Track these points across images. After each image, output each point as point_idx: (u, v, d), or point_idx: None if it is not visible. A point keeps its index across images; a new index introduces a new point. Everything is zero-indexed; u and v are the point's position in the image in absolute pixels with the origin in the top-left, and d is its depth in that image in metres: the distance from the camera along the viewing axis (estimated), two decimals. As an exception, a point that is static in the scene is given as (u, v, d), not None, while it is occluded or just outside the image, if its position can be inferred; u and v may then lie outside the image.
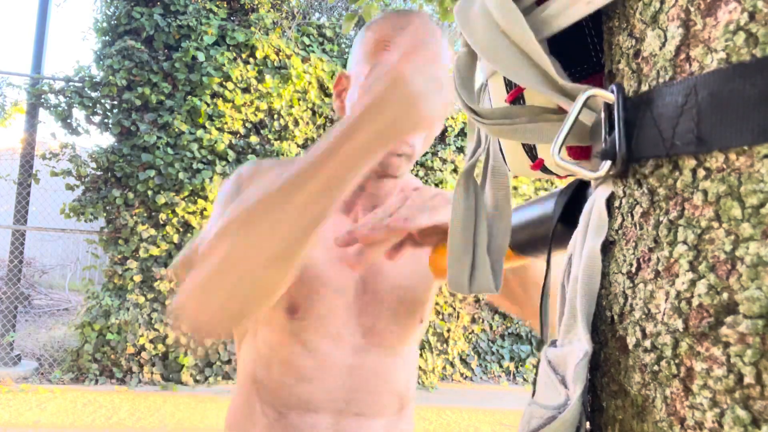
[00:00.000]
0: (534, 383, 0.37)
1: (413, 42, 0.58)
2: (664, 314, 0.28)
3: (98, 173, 5.07)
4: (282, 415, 0.79)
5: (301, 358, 0.80)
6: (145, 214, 5.01)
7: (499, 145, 0.50)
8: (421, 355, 5.64)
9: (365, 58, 0.80)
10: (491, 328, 6.17)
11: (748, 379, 0.24)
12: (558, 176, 0.46)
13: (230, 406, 0.88)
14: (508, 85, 0.43)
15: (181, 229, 5.03)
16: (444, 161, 6.09)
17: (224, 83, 5.20)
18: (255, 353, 0.83)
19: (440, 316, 5.87)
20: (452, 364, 5.91)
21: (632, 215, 0.32)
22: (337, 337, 0.81)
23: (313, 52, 5.77)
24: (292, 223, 0.58)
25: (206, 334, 0.67)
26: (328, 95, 5.68)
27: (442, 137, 6.24)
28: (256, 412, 0.81)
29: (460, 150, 6.16)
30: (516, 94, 0.42)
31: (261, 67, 5.38)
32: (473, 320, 6.13)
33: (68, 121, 5.11)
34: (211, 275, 0.62)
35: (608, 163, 0.32)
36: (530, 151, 0.44)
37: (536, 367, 0.40)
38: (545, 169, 0.46)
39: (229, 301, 0.63)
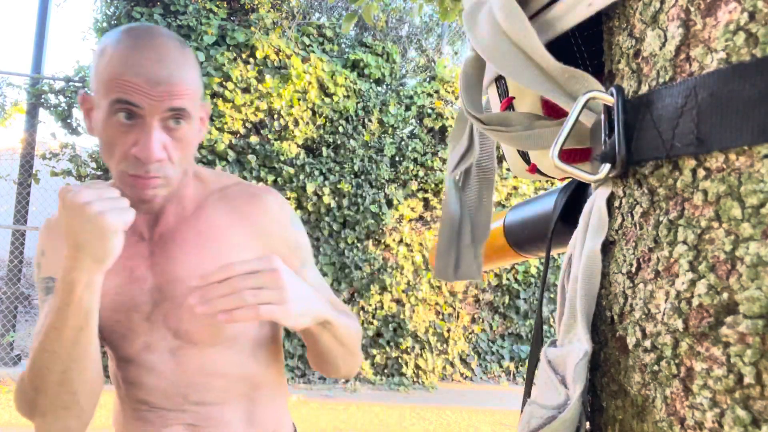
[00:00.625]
0: (527, 383, 0.37)
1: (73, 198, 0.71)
2: (664, 314, 0.28)
3: (98, 173, 5.07)
4: (136, 411, 0.92)
5: (125, 368, 0.91)
6: (145, 214, 5.00)
7: (500, 147, 0.52)
8: (421, 355, 5.63)
9: (101, 88, 0.79)
10: (491, 328, 6.17)
11: (748, 379, 0.24)
12: (555, 178, 0.47)
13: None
14: (501, 95, 0.44)
15: (181, 229, 5.02)
16: (444, 161, 6.09)
17: (224, 83, 5.20)
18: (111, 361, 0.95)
19: (440, 316, 5.87)
20: (452, 364, 5.91)
21: (632, 215, 0.31)
22: (151, 345, 0.88)
23: (313, 52, 5.77)
24: (67, 365, 0.78)
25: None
26: (328, 95, 5.68)
27: (442, 137, 6.24)
28: (118, 412, 0.97)
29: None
30: (507, 104, 0.43)
31: (261, 67, 5.38)
32: (473, 320, 6.12)
33: (68, 121, 5.11)
34: (42, 410, 0.85)
35: (608, 165, 0.32)
36: (524, 155, 0.45)
37: (531, 366, 0.40)
38: (540, 173, 0.46)
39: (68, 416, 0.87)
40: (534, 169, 0.45)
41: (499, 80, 0.44)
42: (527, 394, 0.42)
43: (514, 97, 0.42)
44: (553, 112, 0.41)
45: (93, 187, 0.73)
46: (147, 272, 0.88)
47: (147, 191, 0.80)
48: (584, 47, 0.39)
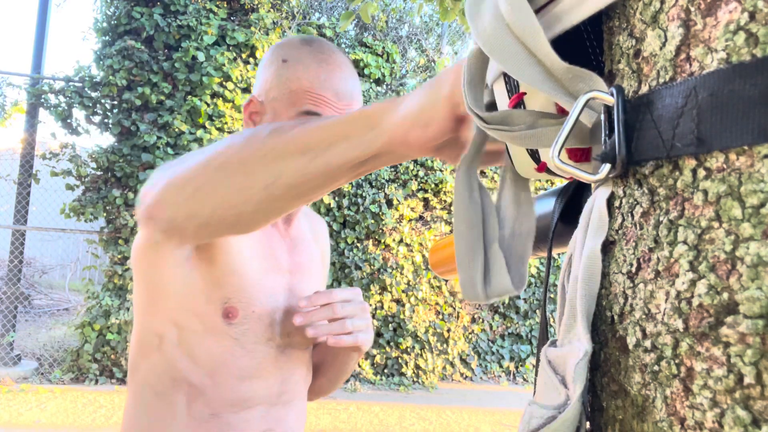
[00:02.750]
0: (535, 383, 0.37)
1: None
2: (664, 314, 0.28)
3: (98, 173, 5.07)
4: (215, 416, 0.82)
5: (241, 359, 0.85)
6: (145, 214, 5.00)
7: (507, 147, 0.48)
8: (421, 355, 5.64)
9: (286, 98, 0.82)
10: (491, 328, 6.17)
11: (748, 379, 0.24)
12: (564, 178, 0.46)
13: (129, 411, 0.90)
14: (510, 90, 0.42)
15: (181, 229, 5.03)
16: (444, 161, 6.09)
17: (224, 83, 5.21)
18: (180, 357, 0.84)
19: (440, 316, 5.87)
20: (452, 364, 5.91)
21: (632, 215, 0.32)
22: (271, 337, 0.88)
23: (313, 52, 5.77)
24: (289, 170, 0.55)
25: (177, 232, 0.65)
26: (328, 95, 5.68)
27: (442, 137, 6.23)
28: (179, 413, 0.82)
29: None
30: (517, 100, 0.42)
31: (261, 67, 5.38)
32: (473, 320, 6.12)
33: (68, 121, 5.11)
34: (199, 171, 0.60)
35: (608, 165, 0.32)
36: (533, 154, 0.44)
37: (536, 366, 0.40)
38: (550, 172, 0.45)
39: (216, 200, 0.59)
40: (543, 168, 0.44)
41: (508, 75, 0.43)
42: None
43: (525, 93, 0.41)
44: (565, 109, 0.40)
45: None
46: (286, 269, 0.92)
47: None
48: (592, 44, 0.39)
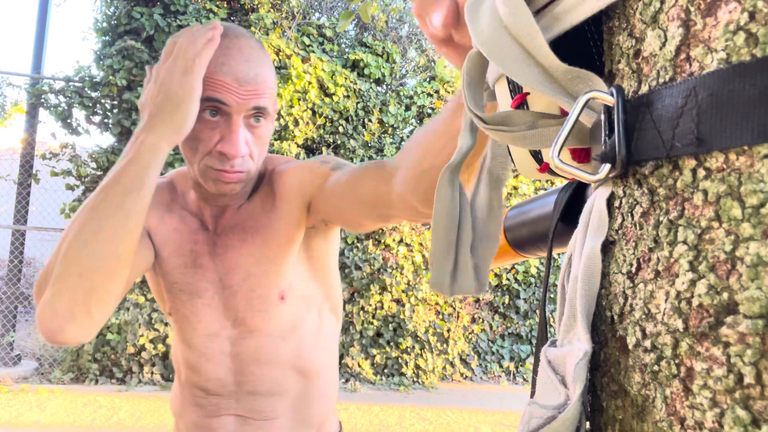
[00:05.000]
0: (533, 383, 0.37)
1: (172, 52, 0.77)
2: (664, 314, 0.28)
3: (98, 173, 5.07)
4: (193, 396, 0.93)
5: (187, 352, 0.92)
6: (145, 214, 5.01)
7: (508, 148, 0.49)
8: (421, 355, 5.63)
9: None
10: (491, 328, 6.17)
11: (748, 379, 0.24)
12: (564, 178, 0.46)
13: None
14: (512, 91, 0.42)
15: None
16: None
17: (224, 83, 5.20)
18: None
19: (440, 316, 5.88)
20: (452, 364, 5.91)
21: (632, 215, 0.32)
22: (212, 333, 0.91)
23: (313, 52, 5.77)
24: (110, 222, 0.71)
25: (63, 339, 0.73)
26: (328, 95, 5.68)
27: (442, 137, 6.24)
28: (176, 399, 0.97)
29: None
30: (520, 100, 0.42)
31: (261, 67, 5.39)
32: (473, 320, 6.12)
33: (68, 121, 5.11)
34: (57, 279, 0.71)
35: (608, 165, 0.32)
36: (536, 155, 0.44)
37: (534, 366, 0.40)
38: (552, 172, 0.45)
39: (75, 297, 0.71)
40: (546, 168, 0.44)
41: None
42: (533, 395, 0.42)
43: (528, 93, 0.41)
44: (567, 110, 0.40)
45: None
46: (210, 262, 0.91)
47: (229, 185, 0.84)
48: (595, 43, 0.39)
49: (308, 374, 0.95)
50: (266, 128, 0.86)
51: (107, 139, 5.59)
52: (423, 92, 6.17)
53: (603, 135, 0.32)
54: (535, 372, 0.39)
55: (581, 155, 0.40)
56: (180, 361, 0.95)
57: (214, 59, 0.79)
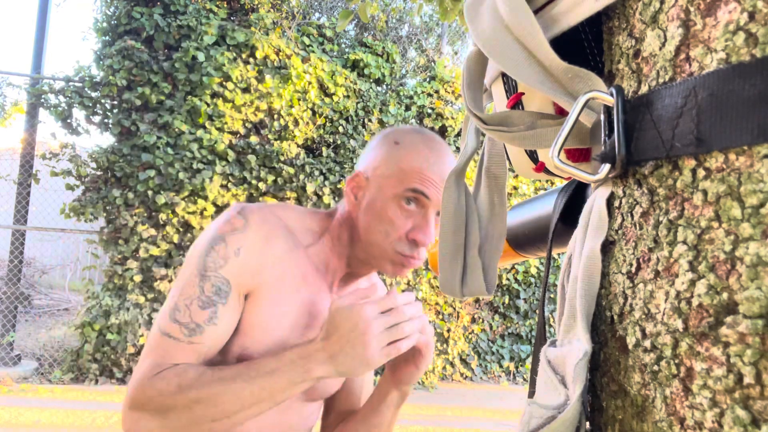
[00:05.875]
0: (531, 383, 0.37)
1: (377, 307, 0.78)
2: (664, 314, 0.28)
3: (98, 173, 5.07)
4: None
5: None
6: (145, 214, 5.01)
7: (505, 148, 0.50)
8: (421, 355, 5.63)
9: (395, 175, 0.89)
10: (491, 328, 6.17)
11: (748, 379, 0.24)
12: (563, 178, 0.46)
13: None
14: (508, 91, 0.43)
15: (181, 229, 5.03)
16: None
17: (224, 83, 5.20)
18: None
19: (440, 316, 5.87)
20: (452, 364, 5.91)
21: (632, 215, 0.32)
22: (285, 405, 0.93)
23: (313, 52, 5.77)
24: (239, 411, 0.76)
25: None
26: (328, 95, 5.68)
27: (442, 137, 6.24)
28: None
29: (460, 150, 6.17)
30: (515, 100, 0.42)
31: (261, 67, 5.38)
32: (473, 320, 6.12)
33: (68, 121, 5.11)
34: (172, 420, 0.76)
35: (608, 165, 0.32)
36: (532, 154, 0.44)
37: (534, 366, 0.40)
38: (548, 171, 0.45)
39: None
40: (541, 168, 0.44)
41: (506, 75, 0.43)
42: (531, 395, 0.42)
43: (523, 93, 0.41)
44: (563, 110, 0.40)
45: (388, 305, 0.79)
46: (318, 324, 0.91)
47: (406, 269, 0.91)
48: (590, 44, 0.39)
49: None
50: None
51: (107, 139, 5.60)
52: (423, 92, 6.17)
53: (603, 135, 0.32)
54: (534, 372, 0.39)
55: (578, 155, 0.40)
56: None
57: (425, 155, 0.89)
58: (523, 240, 0.58)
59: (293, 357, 0.78)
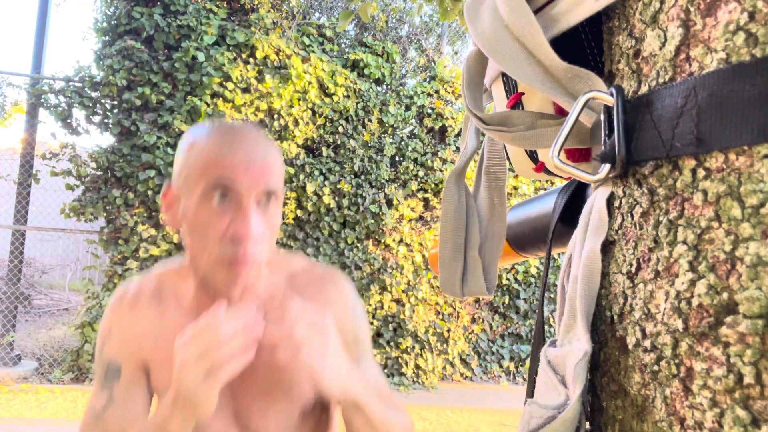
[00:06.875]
0: (530, 383, 0.37)
1: (199, 332, 0.71)
2: (664, 314, 0.28)
3: (98, 173, 5.07)
4: None
5: None
6: (145, 214, 5.01)
7: (505, 148, 0.50)
8: (421, 355, 5.63)
9: (194, 173, 0.79)
10: (491, 328, 6.17)
11: (748, 379, 0.24)
12: (563, 177, 0.46)
13: None
14: (508, 90, 0.43)
15: (181, 229, 5.03)
16: (444, 161, 6.09)
17: (224, 83, 5.20)
18: None
19: (440, 316, 5.87)
20: (452, 364, 5.91)
21: (632, 215, 0.31)
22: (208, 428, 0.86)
23: (313, 52, 5.76)
24: None
25: None
26: (328, 95, 5.68)
27: (442, 137, 6.24)
28: None
29: (460, 150, 6.16)
30: (515, 100, 0.42)
31: (261, 67, 5.38)
32: (473, 320, 6.12)
33: (68, 121, 5.11)
34: None
35: (608, 165, 0.32)
36: (531, 154, 0.44)
37: (532, 366, 0.40)
38: (548, 171, 0.46)
39: None
40: (541, 168, 0.44)
41: (506, 75, 0.43)
42: (530, 394, 0.42)
43: (523, 93, 0.41)
44: (563, 110, 0.40)
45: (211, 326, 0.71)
46: None
47: (241, 275, 0.78)
48: (590, 44, 0.39)
49: None
50: (276, 213, 0.82)
51: (107, 139, 5.59)
52: (423, 92, 6.16)
53: (603, 135, 0.32)
54: (533, 372, 0.39)
55: (578, 155, 0.40)
56: None
57: (221, 143, 0.78)
58: (523, 240, 0.58)
59: (154, 416, 0.75)
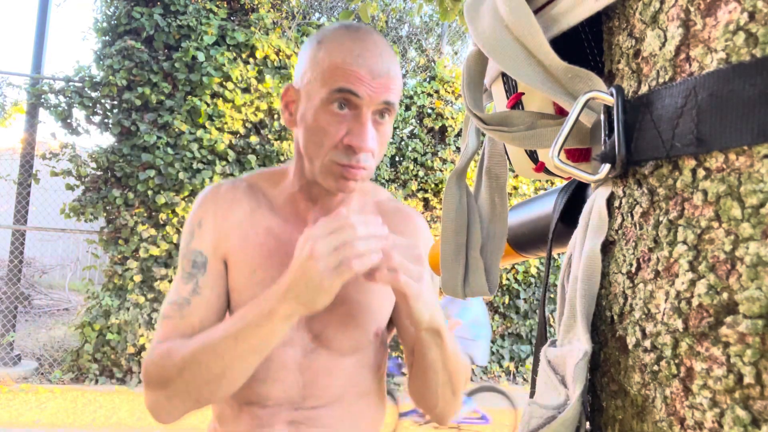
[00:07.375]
0: (531, 383, 0.37)
1: (330, 224, 0.72)
2: (664, 314, 0.28)
3: (98, 173, 5.07)
4: (242, 410, 0.89)
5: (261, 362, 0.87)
6: (145, 214, 5.01)
7: (504, 147, 0.50)
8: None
9: (319, 77, 0.79)
10: (491, 328, 6.17)
11: (748, 379, 0.24)
12: (563, 177, 0.46)
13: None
14: (508, 90, 0.43)
15: (181, 229, 5.02)
16: (444, 161, 6.10)
17: (224, 83, 5.21)
18: None
19: (440, 316, 5.88)
20: (452, 364, 5.91)
21: (632, 215, 0.32)
22: (288, 341, 0.87)
23: (313, 52, 5.77)
24: (232, 372, 0.77)
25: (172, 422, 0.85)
26: (328, 95, 5.68)
27: (442, 137, 6.24)
28: (224, 407, 0.93)
29: (460, 150, 6.17)
30: (515, 100, 0.42)
31: (261, 67, 5.39)
32: (473, 320, 6.12)
33: (68, 121, 5.11)
34: (174, 393, 0.80)
35: (607, 165, 0.32)
36: (532, 154, 0.44)
37: (535, 367, 0.40)
38: (548, 171, 0.46)
39: (190, 408, 0.82)
40: (541, 168, 0.44)
41: (506, 75, 0.43)
42: (532, 395, 0.42)
43: (523, 93, 0.41)
44: (563, 110, 0.40)
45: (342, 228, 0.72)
46: None
47: (351, 182, 0.81)
48: (590, 44, 0.39)
49: (363, 388, 0.93)
50: (389, 126, 0.84)
51: (107, 139, 5.59)
52: (423, 92, 6.17)
53: (603, 135, 0.32)
54: (534, 372, 0.39)
55: (578, 155, 0.40)
56: None
57: (348, 50, 0.78)
58: (523, 240, 0.58)
59: (257, 301, 0.76)
